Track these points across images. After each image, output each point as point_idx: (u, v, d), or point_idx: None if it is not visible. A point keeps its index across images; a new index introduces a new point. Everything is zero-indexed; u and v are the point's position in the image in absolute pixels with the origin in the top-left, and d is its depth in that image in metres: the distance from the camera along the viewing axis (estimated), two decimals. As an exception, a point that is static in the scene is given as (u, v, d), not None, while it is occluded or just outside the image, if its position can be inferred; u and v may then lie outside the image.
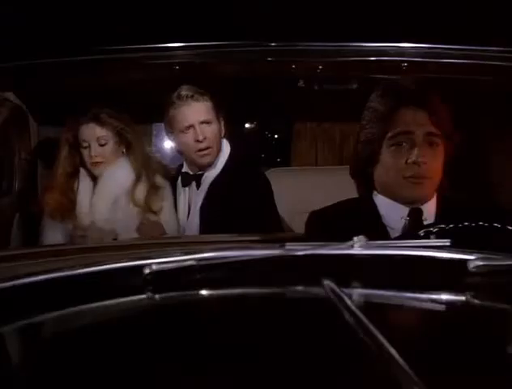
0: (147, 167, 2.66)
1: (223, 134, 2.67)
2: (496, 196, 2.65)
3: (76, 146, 2.63)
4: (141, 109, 2.78)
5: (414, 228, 1.77)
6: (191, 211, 2.65)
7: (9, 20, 1.84)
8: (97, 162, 2.61)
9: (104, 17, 1.88)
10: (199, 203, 2.61)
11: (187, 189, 2.68)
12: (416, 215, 1.83)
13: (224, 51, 1.90)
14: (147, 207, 2.61)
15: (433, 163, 1.82)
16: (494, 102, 2.51)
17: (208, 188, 2.62)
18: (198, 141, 2.58)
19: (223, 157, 2.66)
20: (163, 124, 2.78)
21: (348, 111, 3.04)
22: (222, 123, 2.66)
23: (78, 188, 2.64)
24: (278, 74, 2.30)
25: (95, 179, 2.65)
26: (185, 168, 2.70)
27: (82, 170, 2.66)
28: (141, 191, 2.61)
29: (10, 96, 2.64)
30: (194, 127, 2.58)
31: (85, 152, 2.61)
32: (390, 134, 1.83)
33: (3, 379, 0.93)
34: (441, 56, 1.92)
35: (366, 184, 1.91)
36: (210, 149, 2.61)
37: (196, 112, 2.59)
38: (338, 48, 1.89)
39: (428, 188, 1.84)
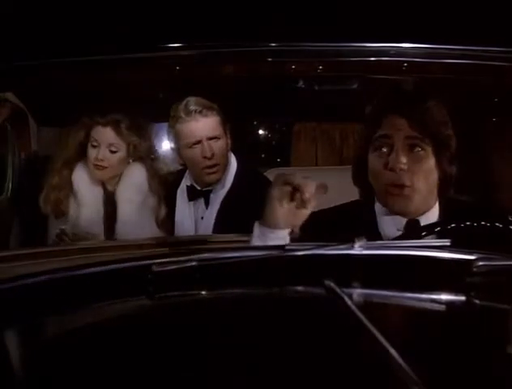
0: (159, 183, 2.61)
1: (230, 148, 2.60)
2: (494, 193, 2.65)
3: (85, 142, 2.58)
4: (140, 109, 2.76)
5: (421, 230, 1.72)
6: (200, 229, 2.58)
7: (9, 20, 1.84)
8: (100, 166, 2.55)
9: (105, 17, 1.88)
10: (212, 223, 2.54)
11: (192, 203, 2.61)
12: (412, 228, 1.75)
13: (224, 51, 1.90)
14: (160, 223, 2.57)
15: (416, 169, 1.72)
16: (494, 102, 2.51)
17: (220, 207, 2.55)
18: (205, 157, 2.51)
19: (230, 173, 2.59)
20: (160, 125, 2.76)
21: (348, 111, 3.05)
22: (229, 136, 2.59)
23: (73, 183, 2.60)
24: (278, 74, 2.29)
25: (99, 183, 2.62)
26: (189, 181, 2.62)
27: (79, 166, 2.61)
28: (163, 211, 2.58)
29: (10, 96, 2.63)
30: (202, 143, 2.51)
31: (92, 151, 2.56)
32: (373, 138, 1.78)
33: (4, 379, 0.93)
34: (442, 56, 1.92)
35: (367, 190, 1.87)
36: (217, 166, 2.54)
37: (204, 128, 2.51)
38: (338, 48, 1.89)
39: (413, 197, 1.73)
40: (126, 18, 1.86)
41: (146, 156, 2.62)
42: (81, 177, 2.61)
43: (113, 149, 2.55)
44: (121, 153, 2.57)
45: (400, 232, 1.75)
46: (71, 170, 2.60)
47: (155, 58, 1.95)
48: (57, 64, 1.90)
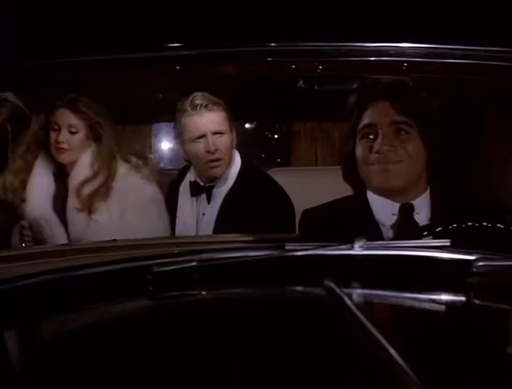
0: (109, 166, 2.56)
1: (234, 145, 2.60)
2: (491, 192, 2.64)
3: (45, 128, 2.56)
4: (140, 109, 2.77)
5: (405, 224, 1.77)
6: (201, 225, 2.58)
7: (9, 20, 1.84)
8: (62, 148, 2.53)
9: (105, 17, 1.88)
10: (213, 218, 2.54)
11: (194, 199, 2.61)
12: (406, 210, 1.80)
13: (224, 51, 1.90)
14: (88, 206, 2.52)
15: (401, 149, 1.79)
16: (494, 102, 2.51)
17: (222, 203, 2.55)
18: (209, 152, 2.51)
19: (234, 169, 2.59)
20: (161, 125, 2.75)
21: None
22: (234, 133, 2.60)
23: (33, 170, 2.57)
24: (278, 74, 2.29)
25: (56, 166, 2.59)
26: (193, 177, 2.63)
27: (42, 154, 2.59)
28: (88, 188, 2.53)
29: (10, 96, 2.63)
30: (206, 137, 2.52)
31: (53, 135, 2.54)
32: (358, 128, 1.85)
33: (4, 379, 0.93)
34: (442, 56, 1.92)
35: (357, 183, 1.90)
36: (221, 161, 2.54)
37: (209, 122, 2.52)
38: (338, 48, 1.89)
39: (398, 173, 1.80)
40: (125, 18, 1.86)
41: (106, 135, 2.58)
42: (42, 165, 2.59)
43: (73, 130, 2.53)
44: (81, 134, 2.55)
45: (396, 217, 1.80)
46: (34, 158, 2.59)
47: (158, 58, 1.95)
48: (58, 64, 1.91)
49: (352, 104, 1.91)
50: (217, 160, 2.54)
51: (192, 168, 2.65)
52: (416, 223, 1.78)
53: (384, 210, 1.82)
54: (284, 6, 1.86)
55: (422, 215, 1.80)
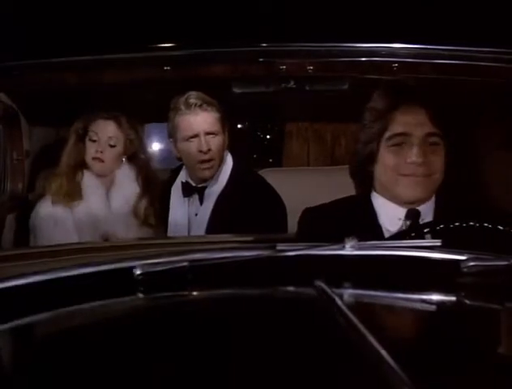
0: (151, 180, 2.66)
1: (226, 146, 2.61)
2: (495, 198, 2.65)
3: (83, 138, 2.62)
4: (134, 110, 2.77)
5: (411, 230, 1.75)
6: (194, 225, 2.58)
7: (4, 21, 1.84)
8: (99, 159, 2.59)
9: (104, 18, 1.88)
10: (206, 219, 2.55)
11: (186, 199, 2.62)
12: (413, 216, 1.79)
13: (215, 52, 1.90)
14: (146, 221, 2.60)
15: (433, 162, 1.78)
16: (487, 103, 2.52)
17: (215, 204, 2.55)
18: (201, 152, 2.52)
19: (225, 170, 2.60)
20: (152, 125, 2.76)
21: (340, 111, 3.06)
22: (227, 134, 2.60)
23: (83, 181, 2.64)
24: (269, 74, 2.29)
25: (99, 177, 2.66)
26: (184, 178, 2.63)
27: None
28: (143, 204, 2.62)
29: (2, 96, 2.63)
30: (199, 137, 2.52)
31: (91, 145, 2.60)
32: (388, 135, 1.80)
33: (1, 379, 0.93)
34: (433, 57, 1.92)
35: (365, 183, 1.88)
36: (212, 161, 2.54)
37: (203, 122, 2.53)
38: (329, 48, 1.89)
39: (428, 187, 1.79)
40: (120, 19, 1.86)
41: (139, 152, 2.67)
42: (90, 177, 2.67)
43: (112, 143, 2.59)
44: (119, 148, 2.61)
45: (402, 221, 1.79)
46: (81, 169, 2.65)
47: (151, 59, 1.95)
48: (50, 64, 1.90)
49: (378, 109, 1.84)
50: (209, 160, 2.54)
51: (184, 169, 2.65)
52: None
53: (389, 214, 1.81)
54: (278, 7, 1.86)
55: (427, 221, 1.78)
